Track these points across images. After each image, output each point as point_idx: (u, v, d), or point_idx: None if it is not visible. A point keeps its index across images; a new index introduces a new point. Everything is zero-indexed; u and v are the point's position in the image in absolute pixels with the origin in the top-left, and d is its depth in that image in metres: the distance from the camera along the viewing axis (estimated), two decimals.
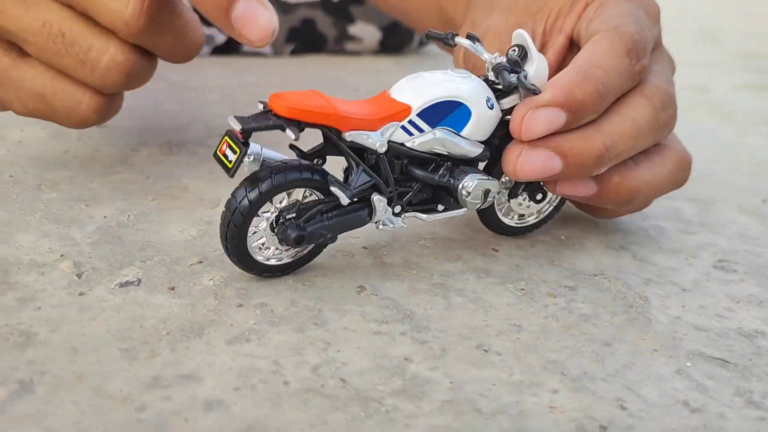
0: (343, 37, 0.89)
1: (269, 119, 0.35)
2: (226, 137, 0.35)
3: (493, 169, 0.43)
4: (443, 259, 0.43)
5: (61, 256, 0.38)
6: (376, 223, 0.39)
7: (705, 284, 0.43)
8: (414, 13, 0.71)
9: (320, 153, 0.38)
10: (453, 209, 0.41)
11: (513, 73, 0.39)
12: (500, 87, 0.40)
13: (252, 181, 0.35)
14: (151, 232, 0.42)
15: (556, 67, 0.45)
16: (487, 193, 0.40)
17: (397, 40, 0.93)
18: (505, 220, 0.45)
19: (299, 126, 0.35)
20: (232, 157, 0.35)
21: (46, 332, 0.32)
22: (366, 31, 0.89)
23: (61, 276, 0.37)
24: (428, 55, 0.96)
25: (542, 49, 0.47)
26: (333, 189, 0.37)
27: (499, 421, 0.30)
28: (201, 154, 0.54)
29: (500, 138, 0.42)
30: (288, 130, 0.35)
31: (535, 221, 0.47)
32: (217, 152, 0.35)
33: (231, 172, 0.35)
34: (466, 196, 0.39)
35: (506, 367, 0.34)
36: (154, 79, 0.47)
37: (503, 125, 0.41)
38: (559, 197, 0.46)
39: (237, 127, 0.34)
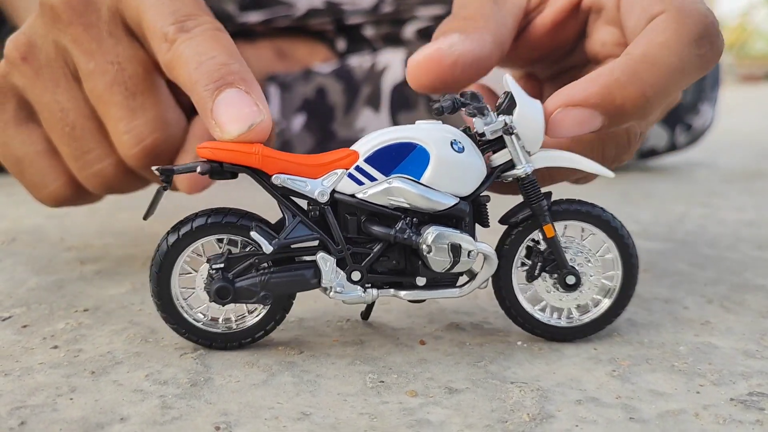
0: None
1: (189, 163, 0.32)
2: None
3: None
4: (344, 342, 0.34)
5: None
6: (327, 290, 0.32)
7: (684, 419, 0.27)
8: None
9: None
10: (440, 287, 0.33)
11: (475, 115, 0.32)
12: (485, 138, 0.33)
13: (176, 225, 0.32)
14: (96, 287, 0.43)
15: (551, 32, 0.40)
16: (456, 249, 0.32)
17: None
18: (538, 315, 0.34)
19: (222, 169, 0.31)
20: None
21: None
22: None
23: None
24: (662, 171, 0.83)
25: (534, 10, 0.39)
26: (253, 234, 0.31)
27: None
28: None
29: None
30: (199, 167, 0.31)
31: (586, 320, 0.35)
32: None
33: (145, 214, 0.32)
34: (428, 252, 0.31)
35: None
36: None
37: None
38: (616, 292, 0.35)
39: (154, 167, 0.32)
